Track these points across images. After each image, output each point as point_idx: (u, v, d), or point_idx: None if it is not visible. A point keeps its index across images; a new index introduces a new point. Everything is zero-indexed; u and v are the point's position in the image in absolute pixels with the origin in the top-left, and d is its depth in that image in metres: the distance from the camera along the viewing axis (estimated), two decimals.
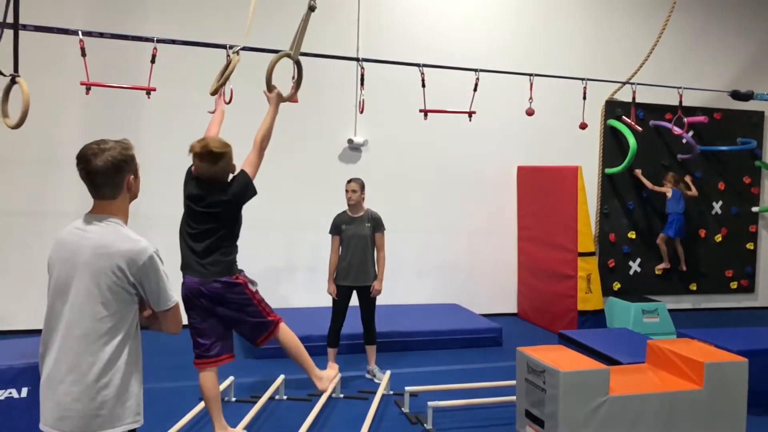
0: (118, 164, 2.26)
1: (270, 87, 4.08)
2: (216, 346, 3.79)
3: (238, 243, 3.92)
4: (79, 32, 4.56)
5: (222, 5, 7.15)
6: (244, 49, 5.17)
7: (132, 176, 2.33)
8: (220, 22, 6.93)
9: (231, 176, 3.76)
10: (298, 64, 4.37)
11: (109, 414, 2.22)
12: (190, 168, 3.80)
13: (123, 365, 2.23)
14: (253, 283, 3.86)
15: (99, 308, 2.20)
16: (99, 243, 2.23)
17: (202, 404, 4.63)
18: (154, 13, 7.03)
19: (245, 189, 3.72)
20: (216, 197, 3.65)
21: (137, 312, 2.31)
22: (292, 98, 4.39)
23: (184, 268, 3.77)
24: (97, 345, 2.20)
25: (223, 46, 5.13)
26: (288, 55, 4.27)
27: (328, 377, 4.21)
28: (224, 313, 3.78)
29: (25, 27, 4.05)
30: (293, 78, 4.55)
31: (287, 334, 3.96)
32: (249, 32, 4.32)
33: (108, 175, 2.25)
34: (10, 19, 3.75)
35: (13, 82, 3.92)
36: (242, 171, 3.74)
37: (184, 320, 3.79)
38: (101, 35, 5.01)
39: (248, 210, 8.00)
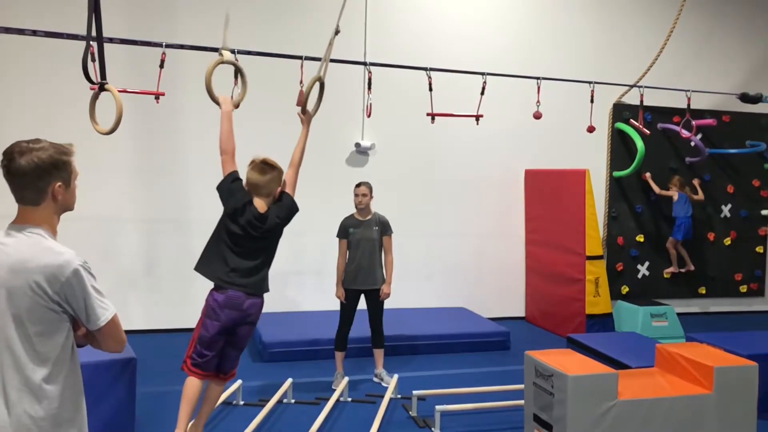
0: (44, 167, 1.99)
1: (305, 110, 4.30)
2: (215, 361, 3.88)
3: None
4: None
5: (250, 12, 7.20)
6: (252, 53, 5.21)
7: (59, 184, 2.04)
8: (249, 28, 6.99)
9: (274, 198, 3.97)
10: (321, 83, 4.49)
11: None
12: (237, 187, 3.89)
13: (59, 391, 1.99)
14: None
15: (21, 330, 1.96)
16: (17, 258, 1.97)
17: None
18: (187, 20, 7.12)
19: (292, 209, 4.04)
20: (272, 221, 3.92)
21: (70, 331, 2.04)
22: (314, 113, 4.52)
23: (224, 284, 3.82)
24: (26, 372, 1.95)
25: (231, 51, 5.15)
26: (319, 78, 4.43)
27: None
28: (240, 332, 3.90)
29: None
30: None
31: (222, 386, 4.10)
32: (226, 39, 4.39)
33: (29, 178, 1.99)
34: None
35: (101, 89, 3.97)
36: (287, 193, 4.02)
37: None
38: (110, 41, 5.04)
39: None
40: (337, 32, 4.44)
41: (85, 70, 3.88)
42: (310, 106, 4.37)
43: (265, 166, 3.88)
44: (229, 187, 3.87)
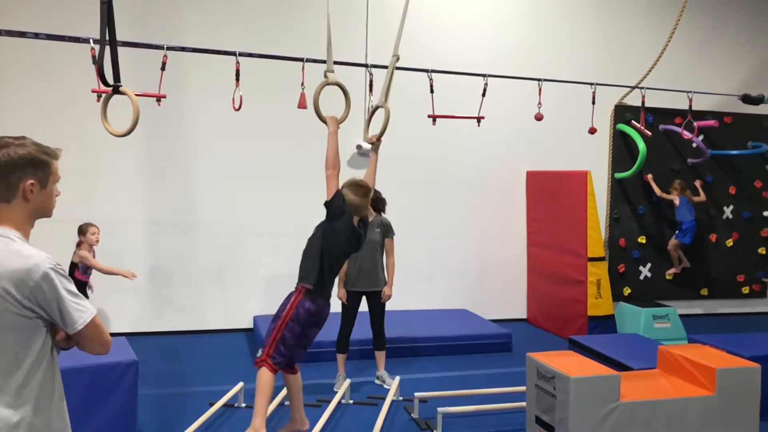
0: (18, 162, 1.95)
1: (380, 138, 4.58)
2: (287, 360, 4.19)
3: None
4: (91, 40, 4.60)
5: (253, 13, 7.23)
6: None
7: (32, 182, 1.97)
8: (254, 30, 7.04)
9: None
10: (386, 109, 4.67)
11: None
12: (346, 208, 4.09)
13: (35, 398, 1.92)
14: None
15: None
16: None
17: (211, 410, 4.65)
18: (191, 21, 7.15)
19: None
20: (362, 240, 4.28)
21: (47, 336, 1.96)
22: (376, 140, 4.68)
23: (321, 296, 4.17)
24: (0, 380, 1.89)
25: (232, 53, 5.16)
26: (384, 107, 4.63)
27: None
28: (312, 334, 4.24)
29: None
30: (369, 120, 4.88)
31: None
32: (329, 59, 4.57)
33: (1, 171, 1.94)
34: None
35: (116, 91, 3.99)
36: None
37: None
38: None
39: (258, 216, 8.03)
40: (397, 58, 4.70)
41: (101, 73, 3.89)
42: (375, 130, 4.62)
43: (362, 189, 4.17)
44: (343, 209, 4.09)
